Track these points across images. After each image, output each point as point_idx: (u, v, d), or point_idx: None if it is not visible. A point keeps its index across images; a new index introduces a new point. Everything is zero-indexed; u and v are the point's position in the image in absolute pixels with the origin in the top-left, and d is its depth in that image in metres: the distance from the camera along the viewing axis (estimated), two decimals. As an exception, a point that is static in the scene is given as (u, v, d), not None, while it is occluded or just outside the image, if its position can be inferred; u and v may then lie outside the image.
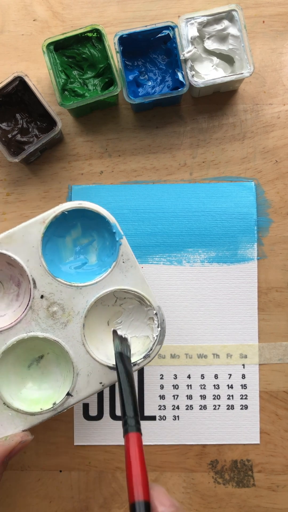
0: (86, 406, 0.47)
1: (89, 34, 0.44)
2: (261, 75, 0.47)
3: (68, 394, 0.38)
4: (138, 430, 0.29)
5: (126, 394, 0.31)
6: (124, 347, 0.36)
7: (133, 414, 0.30)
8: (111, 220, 0.39)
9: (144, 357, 0.38)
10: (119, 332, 0.39)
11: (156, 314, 0.39)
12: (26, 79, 0.43)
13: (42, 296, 0.39)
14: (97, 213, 0.39)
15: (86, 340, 0.39)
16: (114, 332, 0.39)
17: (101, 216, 0.39)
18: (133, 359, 0.38)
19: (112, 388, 0.47)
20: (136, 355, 0.39)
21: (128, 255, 0.39)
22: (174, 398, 0.47)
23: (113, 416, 0.47)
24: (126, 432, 0.29)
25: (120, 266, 0.39)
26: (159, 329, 0.39)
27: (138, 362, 0.38)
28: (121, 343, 0.37)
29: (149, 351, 0.38)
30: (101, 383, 0.38)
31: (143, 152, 0.48)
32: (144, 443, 0.46)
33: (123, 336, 0.38)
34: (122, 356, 0.35)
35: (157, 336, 0.39)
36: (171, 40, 0.44)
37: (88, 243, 0.42)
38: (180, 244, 0.47)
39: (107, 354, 0.39)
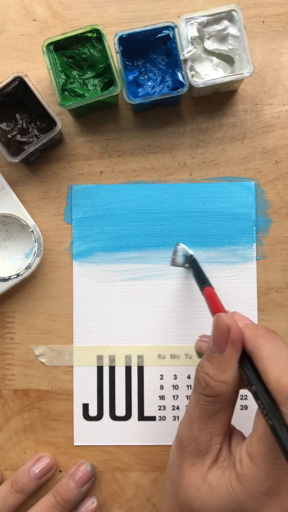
0: (86, 406, 0.47)
1: (89, 34, 0.44)
2: (261, 75, 0.47)
3: None
4: (210, 284, 0.40)
5: (198, 272, 0.43)
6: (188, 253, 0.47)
7: (205, 278, 0.42)
8: None
9: (26, 268, 0.45)
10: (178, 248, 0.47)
11: (32, 231, 0.45)
12: (26, 79, 0.43)
13: None
14: None
15: None
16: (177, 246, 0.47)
17: None
18: (16, 271, 0.45)
19: (112, 388, 0.47)
20: (21, 269, 0.45)
21: (2, 184, 0.46)
22: (174, 399, 0.47)
23: (113, 416, 0.47)
24: (203, 288, 0.40)
25: None
26: (36, 244, 0.45)
27: (21, 273, 0.45)
28: (186, 252, 0.46)
29: (30, 263, 0.45)
30: None
31: (143, 152, 0.48)
32: (144, 443, 0.47)
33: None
34: (194, 256, 0.46)
35: (35, 250, 0.45)
36: (171, 40, 0.44)
37: None
38: (180, 244, 0.47)
39: None
